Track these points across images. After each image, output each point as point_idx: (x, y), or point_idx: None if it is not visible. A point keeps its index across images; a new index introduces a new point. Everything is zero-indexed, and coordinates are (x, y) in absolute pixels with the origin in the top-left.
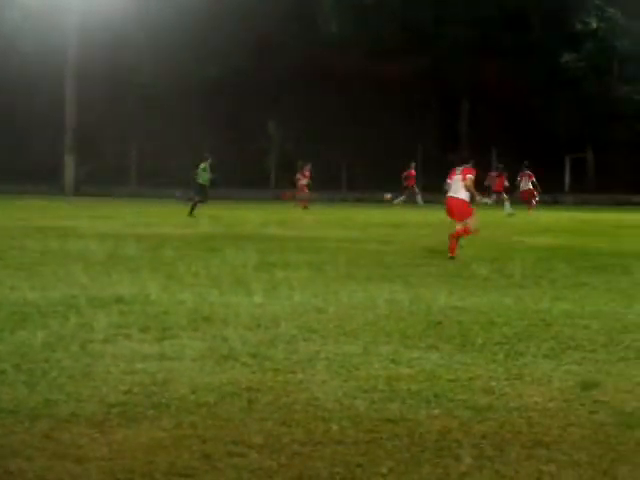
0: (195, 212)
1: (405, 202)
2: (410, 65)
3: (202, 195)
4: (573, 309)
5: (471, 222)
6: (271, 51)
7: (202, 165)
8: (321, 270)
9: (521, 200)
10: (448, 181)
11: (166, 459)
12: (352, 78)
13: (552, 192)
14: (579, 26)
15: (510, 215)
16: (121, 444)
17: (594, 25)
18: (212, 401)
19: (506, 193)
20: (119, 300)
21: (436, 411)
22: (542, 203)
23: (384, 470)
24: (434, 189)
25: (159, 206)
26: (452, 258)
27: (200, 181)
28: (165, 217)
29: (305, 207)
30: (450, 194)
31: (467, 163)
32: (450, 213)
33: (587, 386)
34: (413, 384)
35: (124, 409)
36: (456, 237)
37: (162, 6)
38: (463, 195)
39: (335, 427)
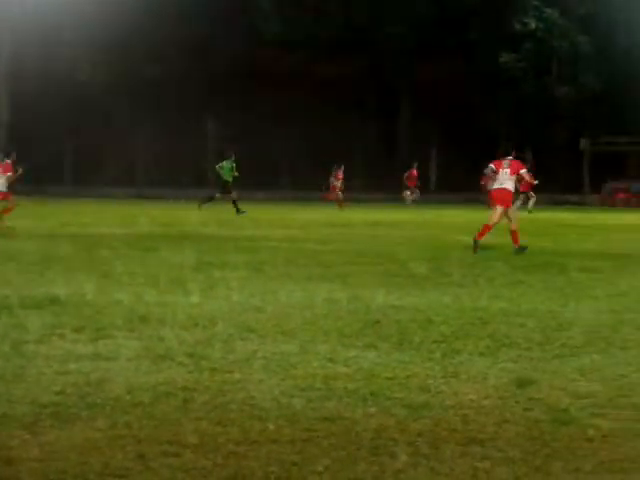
0: (239, 208)
1: (415, 201)
2: (349, 64)
3: (226, 192)
4: (510, 307)
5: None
6: (209, 50)
7: (224, 162)
8: (259, 270)
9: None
10: (491, 166)
11: (100, 460)
12: (291, 77)
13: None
14: (518, 26)
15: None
16: (53, 445)
17: (533, 25)
18: (147, 401)
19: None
20: (53, 300)
21: (372, 409)
22: (481, 203)
23: (320, 468)
24: (375, 187)
25: (95, 206)
26: (521, 249)
27: (225, 178)
28: (101, 217)
29: (340, 207)
30: (496, 186)
31: (510, 155)
32: (498, 202)
33: (522, 383)
34: (350, 383)
35: (57, 410)
36: (514, 232)
37: (98, 4)
38: (509, 186)
39: (271, 426)
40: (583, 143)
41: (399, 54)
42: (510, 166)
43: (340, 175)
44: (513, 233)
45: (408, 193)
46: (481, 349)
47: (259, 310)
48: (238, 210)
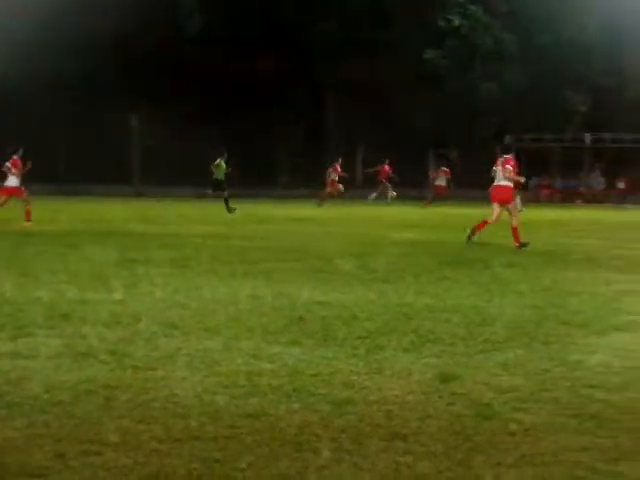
0: (230, 207)
1: (378, 199)
2: (275, 61)
3: (220, 190)
4: (435, 303)
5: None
6: (131, 46)
7: (217, 161)
8: (184, 266)
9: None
10: (494, 168)
11: (18, 459)
12: (216, 73)
13: (418, 187)
14: (442, 23)
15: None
16: None
17: (456, 22)
18: (68, 400)
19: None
20: None
21: (296, 405)
22: (407, 197)
23: (243, 465)
24: (301, 183)
25: (13, 202)
26: (522, 245)
27: (217, 177)
28: (20, 213)
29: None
30: (495, 182)
31: (507, 152)
32: (496, 199)
33: (446, 379)
34: (274, 379)
35: None
36: (515, 228)
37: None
38: (505, 182)
39: (194, 423)
40: (507, 140)
41: (324, 51)
42: (503, 163)
43: (339, 169)
44: (513, 230)
45: (389, 191)
46: (405, 345)
47: (183, 307)
48: (229, 209)
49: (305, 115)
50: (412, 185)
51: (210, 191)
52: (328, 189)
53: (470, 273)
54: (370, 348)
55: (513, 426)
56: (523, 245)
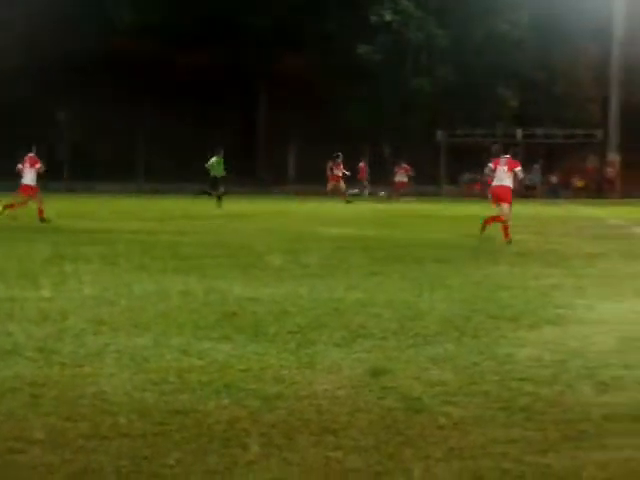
0: (222, 203)
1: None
2: (207, 53)
3: (217, 187)
4: (366, 298)
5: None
6: (58, 39)
7: (214, 158)
8: (114, 262)
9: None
10: (490, 165)
11: None
12: (148, 67)
13: (351, 182)
14: (374, 18)
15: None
16: None
17: (388, 17)
18: None
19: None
20: None
21: (226, 401)
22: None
23: (171, 461)
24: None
25: None
26: (510, 242)
27: (214, 174)
28: None
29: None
30: (495, 183)
31: (507, 154)
32: (497, 199)
33: (376, 373)
34: (204, 375)
35: None
36: (502, 222)
37: None
38: (508, 183)
39: (122, 420)
40: (439, 135)
41: (257, 45)
42: (507, 164)
43: (341, 165)
44: (504, 227)
45: (366, 190)
46: (336, 340)
47: (112, 303)
48: (220, 205)
49: (238, 110)
50: (347, 180)
51: (209, 190)
52: (331, 185)
53: (400, 268)
54: (301, 343)
55: (442, 419)
56: (509, 242)
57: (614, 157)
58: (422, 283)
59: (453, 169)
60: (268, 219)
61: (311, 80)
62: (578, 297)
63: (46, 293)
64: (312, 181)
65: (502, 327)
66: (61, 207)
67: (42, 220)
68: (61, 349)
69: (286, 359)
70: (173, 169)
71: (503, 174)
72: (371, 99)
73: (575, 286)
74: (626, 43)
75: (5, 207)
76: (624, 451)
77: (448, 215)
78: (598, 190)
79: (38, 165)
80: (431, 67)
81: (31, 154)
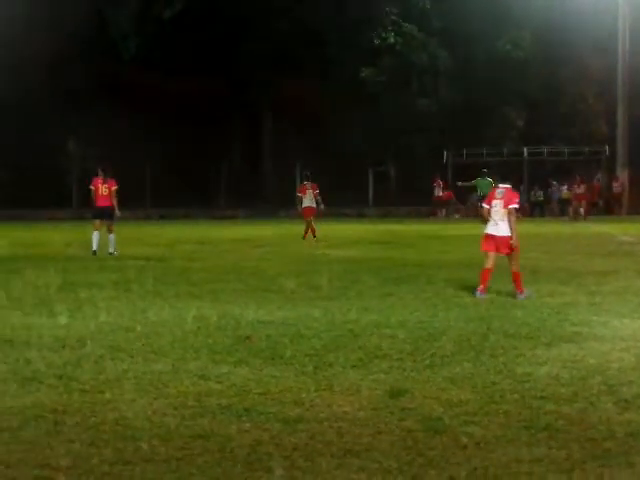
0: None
1: None
2: (212, 80)
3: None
4: (380, 319)
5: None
6: (66, 68)
7: None
8: (127, 289)
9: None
10: (484, 205)
11: None
12: (154, 95)
13: (357, 205)
14: (377, 41)
15: None
16: None
17: (392, 40)
18: (16, 425)
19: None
20: None
21: (247, 425)
22: (348, 216)
23: None
24: (240, 203)
25: None
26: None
27: None
28: None
29: None
30: (490, 230)
31: (506, 182)
32: (495, 247)
33: (395, 394)
34: (223, 399)
35: None
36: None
37: None
38: (505, 228)
39: (145, 445)
40: (446, 155)
41: (259, 71)
42: (504, 197)
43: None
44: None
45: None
46: (353, 361)
47: (128, 329)
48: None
49: (242, 136)
50: (352, 204)
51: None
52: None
53: (413, 289)
54: (318, 365)
55: (464, 440)
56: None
57: (622, 173)
58: (436, 303)
59: (461, 189)
60: (277, 242)
61: (314, 104)
62: (593, 314)
63: (62, 320)
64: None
65: (519, 346)
66: (70, 236)
67: None
68: (80, 376)
69: (304, 382)
70: (180, 195)
71: (499, 212)
72: (375, 121)
73: (590, 303)
74: (631, 58)
75: None
76: None
77: (458, 235)
78: (606, 206)
79: (115, 187)
80: (435, 88)
81: (101, 176)
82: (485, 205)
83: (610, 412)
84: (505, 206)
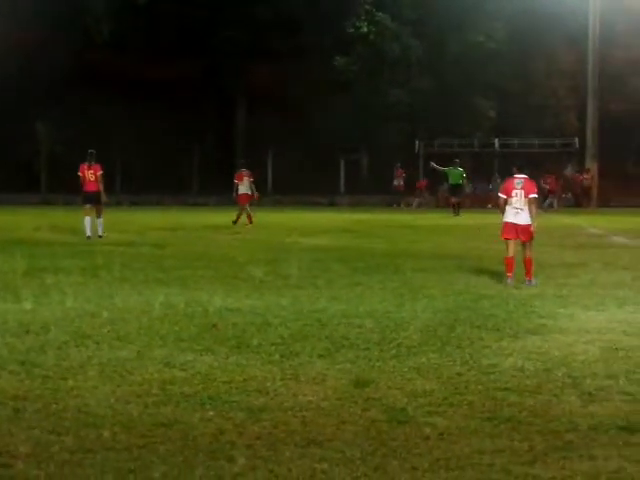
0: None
1: None
2: (185, 66)
3: None
4: (348, 309)
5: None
6: (38, 52)
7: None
8: (95, 275)
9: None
10: (501, 195)
11: None
12: (127, 80)
13: (328, 194)
14: (350, 30)
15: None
16: None
17: (365, 29)
18: None
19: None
20: None
21: (210, 413)
22: (319, 204)
23: (157, 475)
24: (212, 190)
25: None
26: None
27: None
28: None
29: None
30: (510, 219)
31: (523, 171)
32: (517, 234)
33: (360, 384)
34: (187, 387)
35: None
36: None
37: None
38: (526, 216)
39: (107, 433)
40: (418, 145)
41: (233, 58)
42: (524, 187)
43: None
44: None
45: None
46: (320, 351)
47: (94, 316)
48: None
49: (215, 122)
50: (323, 192)
51: None
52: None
53: (381, 278)
54: (284, 354)
55: (427, 430)
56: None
57: (591, 165)
58: (403, 293)
59: (433, 179)
60: (246, 230)
61: (288, 91)
62: (560, 306)
63: (27, 306)
64: (290, 191)
65: (485, 337)
66: (38, 220)
67: None
68: (43, 362)
69: (270, 371)
70: (152, 182)
71: (520, 202)
72: (349, 110)
73: (556, 295)
74: (601, 52)
75: None
76: (612, 461)
77: (427, 225)
78: (575, 199)
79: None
80: (407, 78)
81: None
82: (502, 195)
83: (573, 404)
84: (526, 195)
